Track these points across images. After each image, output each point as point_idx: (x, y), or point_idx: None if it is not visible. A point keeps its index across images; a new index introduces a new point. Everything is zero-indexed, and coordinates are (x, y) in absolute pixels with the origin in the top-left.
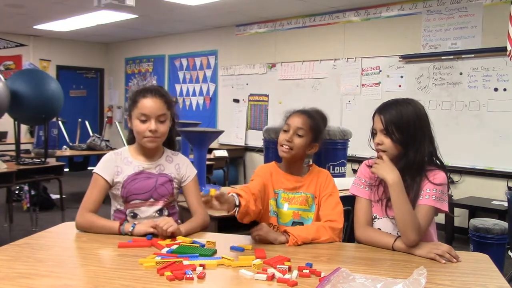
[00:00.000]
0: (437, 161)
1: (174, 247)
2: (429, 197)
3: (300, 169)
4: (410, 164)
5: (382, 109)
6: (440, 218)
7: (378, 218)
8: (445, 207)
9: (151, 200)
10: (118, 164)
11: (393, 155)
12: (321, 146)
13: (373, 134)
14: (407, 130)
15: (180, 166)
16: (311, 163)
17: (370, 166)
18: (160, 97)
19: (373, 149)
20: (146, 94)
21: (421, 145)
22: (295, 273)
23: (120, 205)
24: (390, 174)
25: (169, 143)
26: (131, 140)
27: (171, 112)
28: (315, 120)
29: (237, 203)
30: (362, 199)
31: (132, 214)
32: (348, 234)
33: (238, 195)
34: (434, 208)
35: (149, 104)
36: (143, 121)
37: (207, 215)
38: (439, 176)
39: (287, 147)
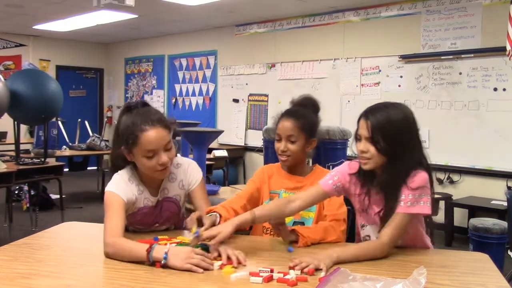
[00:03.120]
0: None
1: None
2: (404, 203)
3: (303, 168)
4: (395, 175)
5: (369, 114)
6: (440, 218)
7: (366, 225)
8: (424, 209)
9: (156, 225)
10: (133, 192)
11: (377, 164)
12: (320, 144)
13: (357, 139)
14: (395, 139)
15: (184, 182)
16: (311, 164)
17: (353, 174)
18: (160, 125)
19: (355, 155)
20: (145, 127)
21: (409, 155)
22: (292, 273)
23: None
24: (327, 260)
25: None
26: (116, 168)
27: (172, 132)
28: (303, 119)
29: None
30: (321, 188)
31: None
32: (348, 234)
33: (220, 215)
34: (408, 214)
35: (153, 138)
36: (150, 157)
37: None
38: (418, 178)
39: (284, 157)
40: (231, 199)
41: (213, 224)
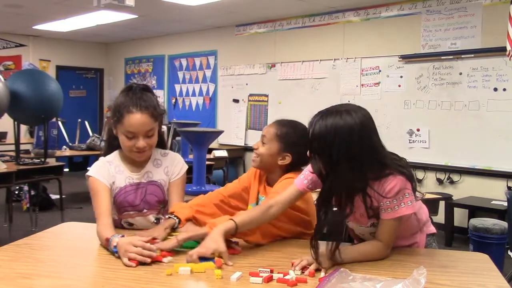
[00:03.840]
0: (394, 166)
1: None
2: (385, 211)
3: (275, 180)
4: (329, 191)
5: (315, 118)
6: (440, 218)
7: (360, 226)
8: (408, 210)
9: (145, 210)
10: (111, 173)
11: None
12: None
13: None
14: (328, 150)
15: (169, 169)
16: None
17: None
18: (147, 111)
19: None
20: (131, 108)
21: (350, 170)
22: (292, 273)
23: (114, 214)
24: (327, 261)
25: (159, 142)
26: (108, 151)
27: (159, 121)
28: (282, 129)
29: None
30: (295, 187)
31: (127, 223)
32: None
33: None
34: (395, 219)
35: (135, 121)
36: (130, 138)
37: None
38: (389, 187)
39: (255, 155)
40: (210, 194)
41: (172, 228)
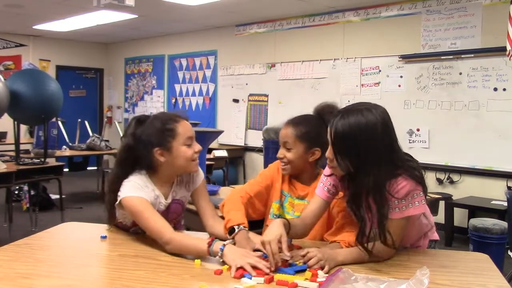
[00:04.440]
0: (405, 168)
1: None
2: (393, 210)
3: (308, 177)
4: (360, 189)
5: (335, 118)
6: (440, 218)
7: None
8: (418, 209)
9: None
10: (151, 197)
11: (340, 174)
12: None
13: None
14: (354, 149)
15: (189, 184)
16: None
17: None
18: (183, 118)
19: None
20: (176, 119)
21: (376, 167)
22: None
23: (127, 221)
24: (332, 262)
25: None
26: (123, 175)
27: None
28: (301, 127)
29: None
30: (318, 197)
31: (137, 231)
32: None
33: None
34: (402, 218)
35: (188, 126)
36: (189, 145)
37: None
38: (401, 189)
39: (283, 164)
40: (237, 191)
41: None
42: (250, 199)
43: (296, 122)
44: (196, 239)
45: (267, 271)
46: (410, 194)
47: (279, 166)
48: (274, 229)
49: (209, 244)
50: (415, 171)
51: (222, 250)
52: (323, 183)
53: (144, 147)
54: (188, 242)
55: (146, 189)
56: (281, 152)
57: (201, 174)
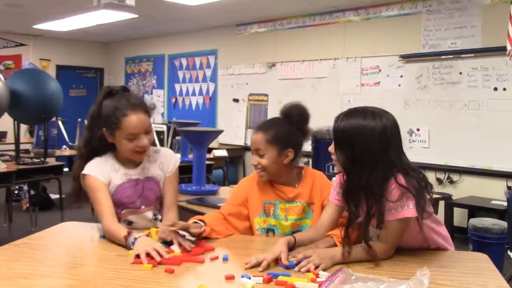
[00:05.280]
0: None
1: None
2: (388, 212)
3: (290, 178)
4: (354, 188)
5: (342, 114)
6: (440, 218)
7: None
8: (408, 213)
9: (142, 207)
10: (107, 172)
11: (340, 170)
12: (321, 144)
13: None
14: (350, 145)
15: (163, 164)
16: (300, 165)
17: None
18: (141, 109)
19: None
20: (126, 111)
21: (370, 167)
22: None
23: None
24: (329, 261)
25: None
26: (88, 155)
27: (151, 116)
28: (270, 132)
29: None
30: (331, 203)
31: (126, 222)
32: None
33: (204, 222)
34: (398, 220)
35: (134, 122)
36: (131, 140)
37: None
38: (394, 191)
39: (258, 170)
40: (211, 214)
41: (199, 235)
42: (225, 218)
43: (265, 127)
44: (118, 227)
45: (158, 259)
46: (405, 195)
47: (255, 176)
48: (275, 247)
49: (125, 238)
50: (414, 179)
51: (133, 243)
52: (334, 188)
53: (100, 122)
54: (114, 234)
55: (105, 164)
56: (255, 159)
57: (175, 159)
